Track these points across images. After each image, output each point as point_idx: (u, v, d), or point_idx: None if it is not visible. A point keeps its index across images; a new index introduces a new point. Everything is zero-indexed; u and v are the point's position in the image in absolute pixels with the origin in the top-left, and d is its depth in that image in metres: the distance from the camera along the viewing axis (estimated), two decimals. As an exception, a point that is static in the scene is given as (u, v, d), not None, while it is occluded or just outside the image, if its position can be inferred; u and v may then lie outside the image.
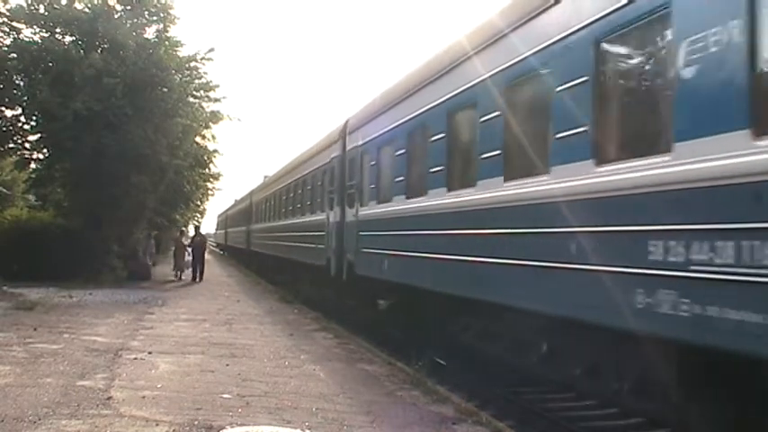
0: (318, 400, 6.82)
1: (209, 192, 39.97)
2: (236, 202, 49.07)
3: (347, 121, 14.30)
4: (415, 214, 9.47)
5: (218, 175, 34.54)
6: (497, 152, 7.23)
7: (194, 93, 23.32)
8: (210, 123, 24.93)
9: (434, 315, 9.82)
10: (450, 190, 8.43)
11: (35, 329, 10.69)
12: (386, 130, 11.26)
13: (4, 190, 30.13)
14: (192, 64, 22.54)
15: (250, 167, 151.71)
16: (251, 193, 35.72)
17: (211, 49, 22.87)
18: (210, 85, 23.33)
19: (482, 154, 7.56)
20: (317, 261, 15.56)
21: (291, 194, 21.19)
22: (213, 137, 26.45)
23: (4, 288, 16.44)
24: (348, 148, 13.75)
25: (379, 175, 11.63)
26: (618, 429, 6.58)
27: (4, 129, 20.94)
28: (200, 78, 23.04)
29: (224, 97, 27.64)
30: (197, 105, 23.88)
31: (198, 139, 25.49)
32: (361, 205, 12.41)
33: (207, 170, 29.95)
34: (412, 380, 8.00)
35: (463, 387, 8.12)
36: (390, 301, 12.04)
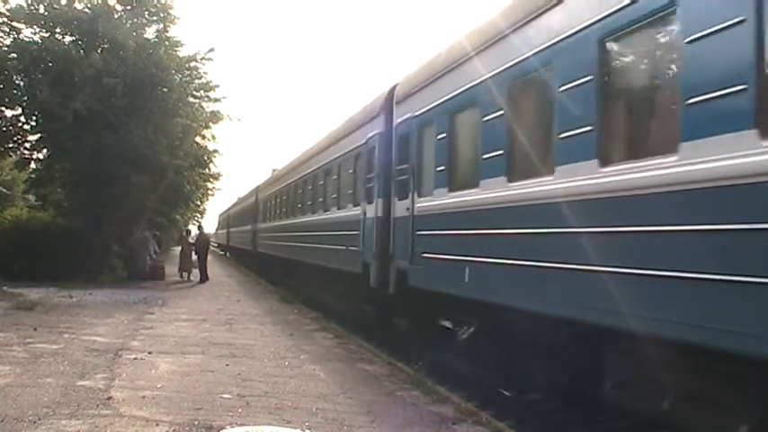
0: (318, 400, 6.82)
1: (209, 192, 40.03)
2: (240, 200, 45.19)
3: (394, 89, 11.04)
4: (529, 204, 6.42)
5: (218, 175, 34.59)
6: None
7: (194, 93, 23.33)
8: (210, 123, 24.93)
9: (564, 356, 6.48)
10: (604, 164, 5.34)
11: (35, 329, 10.69)
12: (469, 86, 7.85)
13: (4, 190, 30.15)
14: (192, 64, 22.56)
15: (250, 167, 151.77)
16: (257, 189, 32.13)
17: (211, 49, 22.94)
18: (210, 85, 23.36)
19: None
20: (349, 267, 12.40)
21: (310, 187, 17.99)
22: (213, 137, 26.49)
23: (4, 288, 16.43)
24: (397, 121, 10.50)
25: (452, 153, 8.37)
26: (618, 429, 6.57)
27: (4, 129, 20.94)
28: (200, 78, 23.06)
29: (224, 97, 27.73)
30: (197, 105, 23.89)
31: (198, 139, 25.50)
32: (420, 195, 9.26)
33: (207, 170, 29.97)
34: (412, 380, 8.01)
35: (463, 387, 8.11)
36: (468, 324, 8.20)
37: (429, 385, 7.72)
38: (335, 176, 14.77)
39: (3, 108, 20.62)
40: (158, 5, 21.43)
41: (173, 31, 21.90)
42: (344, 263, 12.92)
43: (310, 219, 17.18)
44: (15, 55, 20.18)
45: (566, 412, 6.80)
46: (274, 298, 18.82)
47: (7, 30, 20.37)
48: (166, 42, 21.54)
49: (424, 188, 9.27)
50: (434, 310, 9.10)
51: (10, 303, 13.86)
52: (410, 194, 9.58)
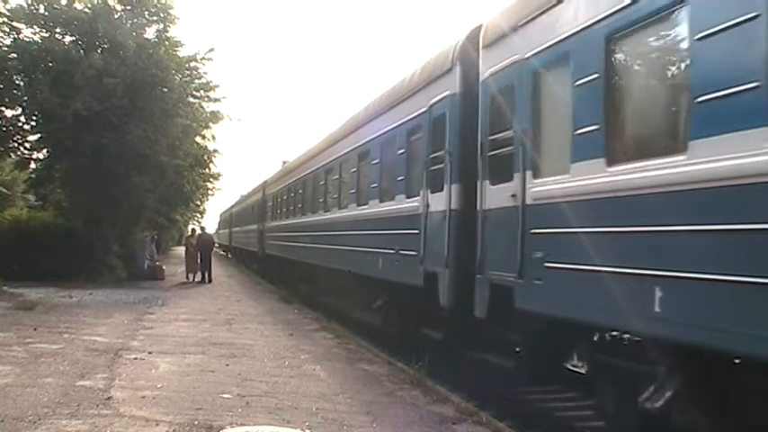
0: (318, 400, 6.82)
1: (209, 192, 40.04)
2: (244, 197, 41.50)
3: (479, 29, 8.00)
4: None
5: (218, 175, 34.59)
6: None
7: (194, 93, 23.32)
8: (210, 123, 24.93)
9: None
10: None
11: (35, 329, 10.69)
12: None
13: (4, 190, 30.12)
14: (192, 64, 22.56)
15: (249, 167, 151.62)
16: (264, 184, 28.95)
17: (211, 49, 22.96)
18: (210, 85, 23.35)
19: None
20: (401, 277, 9.78)
21: (335, 177, 14.87)
22: (213, 137, 26.49)
23: (4, 288, 16.44)
24: (488, 73, 7.47)
25: (616, 102, 5.41)
26: (617, 429, 6.57)
27: (4, 129, 20.94)
28: (200, 78, 23.05)
29: (224, 97, 27.73)
30: (197, 105, 23.88)
31: (198, 138, 25.50)
32: (539, 174, 6.37)
33: (207, 170, 29.97)
34: (412, 380, 8.01)
35: (463, 387, 8.11)
36: (662, 385, 5.09)
37: (429, 385, 7.72)
38: (375, 161, 11.71)
39: (3, 108, 20.62)
40: (158, 5, 21.42)
41: (173, 31, 21.94)
42: (392, 272, 10.15)
43: (336, 215, 14.30)
44: (15, 55, 20.17)
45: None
46: (274, 298, 18.81)
47: (7, 30, 20.37)
48: (166, 42, 21.54)
49: (547, 163, 6.32)
50: (561, 347, 6.75)
51: (10, 303, 13.86)
52: (518, 175, 6.56)
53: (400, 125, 10.47)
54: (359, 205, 12.56)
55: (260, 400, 6.72)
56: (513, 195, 6.59)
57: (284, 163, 28.14)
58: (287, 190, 22.17)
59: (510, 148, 6.84)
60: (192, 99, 23.34)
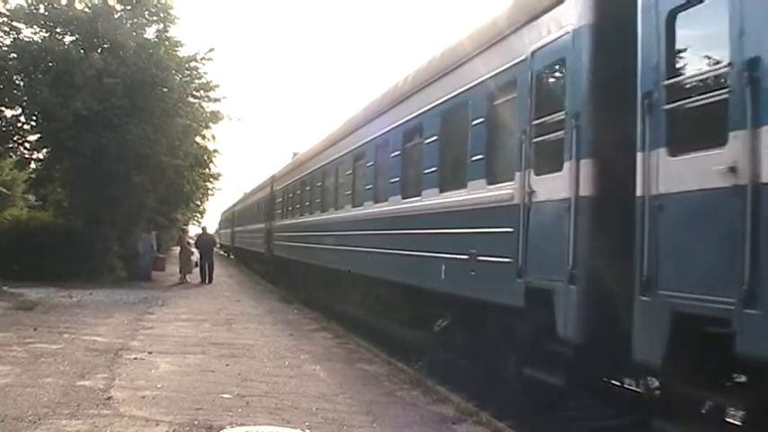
0: (318, 400, 6.82)
1: (209, 192, 40.02)
2: (248, 195, 38.90)
3: None
4: None
5: (218, 174, 34.57)
6: None
7: (194, 93, 23.32)
8: (210, 123, 24.93)
9: None
10: None
11: (35, 329, 10.69)
12: None
13: (4, 190, 30.14)
14: (192, 64, 22.56)
15: (250, 167, 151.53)
16: (272, 180, 26.43)
17: (211, 49, 22.94)
18: (210, 85, 23.35)
19: None
20: (486, 293, 7.32)
21: (368, 164, 12.20)
22: (213, 137, 26.49)
23: (4, 288, 16.45)
24: None
25: None
26: (617, 429, 6.58)
27: (4, 129, 20.96)
28: (200, 78, 23.06)
29: (224, 97, 27.71)
30: (197, 105, 23.88)
31: (198, 138, 25.50)
32: None
33: (207, 170, 29.97)
34: (412, 380, 8.01)
35: (463, 387, 8.11)
36: None
37: (429, 385, 7.72)
38: (430, 139, 9.21)
39: (3, 108, 20.64)
40: (158, 5, 21.43)
41: (173, 31, 21.95)
42: (464, 284, 7.74)
43: (370, 211, 11.78)
44: (15, 55, 20.18)
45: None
46: (274, 298, 18.81)
47: (7, 30, 20.38)
48: (166, 42, 21.55)
49: None
50: None
51: (10, 303, 13.86)
52: (742, 135, 4.12)
53: (474, 88, 7.90)
54: (405, 197, 10.04)
55: (260, 400, 6.72)
56: (732, 169, 4.13)
57: (295, 155, 25.55)
58: (301, 184, 19.59)
59: (722, 93, 4.33)
60: (192, 99, 23.33)
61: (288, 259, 20.67)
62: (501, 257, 6.87)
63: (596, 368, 6.16)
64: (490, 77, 7.54)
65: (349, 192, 13.63)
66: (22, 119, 21.18)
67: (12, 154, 22.63)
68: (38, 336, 10.18)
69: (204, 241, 25.03)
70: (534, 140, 6.46)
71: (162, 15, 21.55)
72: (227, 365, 8.45)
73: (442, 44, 9.74)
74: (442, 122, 8.94)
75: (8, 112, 20.92)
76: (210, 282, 23.41)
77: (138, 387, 7.03)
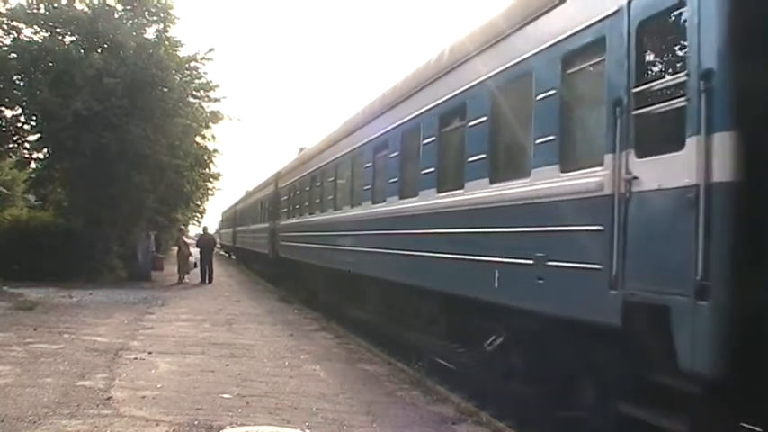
0: (318, 400, 6.82)
1: (209, 192, 40.04)
2: (250, 193, 37.69)
3: None
4: None
5: (218, 174, 34.61)
6: None
7: (194, 93, 23.34)
8: (210, 123, 24.95)
9: None
10: None
11: (35, 329, 10.69)
12: None
13: (4, 190, 30.16)
14: (192, 64, 22.58)
15: (250, 167, 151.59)
16: (277, 177, 24.90)
17: (211, 49, 22.97)
18: (210, 85, 23.36)
19: None
20: (561, 308, 5.86)
21: (392, 155, 10.65)
22: (213, 137, 26.52)
23: (4, 288, 16.46)
24: None
25: None
26: (616, 430, 6.57)
27: (4, 129, 20.97)
28: (200, 78, 23.07)
29: (224, 97, 27.76)
30: (197, 105, 23.91)
31: (198, 138, 25.53)
32: None
33: (207, 170, 30.01)
34: (412, 380, 8.01)
35: (463, 387, 8.11)
36: None
37: (429, 385, 7.72)
38: (476, 120, 7.65)
39: (3, 108, 20.65)
40: (158, 5, 21.45)
41: (173, 31, 21.97)
42: (528, 294, 6.30)
43: (396, 208, 10.23)
44: (15, 55, 20.18)
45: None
46: (274, 298, 18.81)
47: (7, 29, 20.39)
48: (166, 42, 21.56)
49: None
50: None
51: (10, 303, 13.87)
52: None
53: (539, 54, 6.37)
54: (441, 191, 8.61)
55: (260, 400, 6.72)
56: None
57: (301, 150, 24.05)
58: (310, 179, 17.83)
59: None
60: (192, 99, 23.36)
61: (295, 261, 19.27)
62: (584, 263, 5.44)
63: (735, 410, 4.68)
64: (562, 40, 6.01)
65: (368, 186, 11.96)
66: (22, 119, 21.20)
67: (12, 154, 22.63)
68: (38, 336, 10.18)
69: (205, 241, 25.14)
70: (636, 113, 5.00)
71: (162, 15, 21.58)
72: (227, 365, 8.45)
73: (490, 9, 8.11)
74: (494, 100, 7.33)
75: (8, 112, 20.96)
76: (210, 282, 23.45)
77: (138, 387, 7.03)
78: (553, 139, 6.07)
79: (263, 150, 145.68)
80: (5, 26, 20.30)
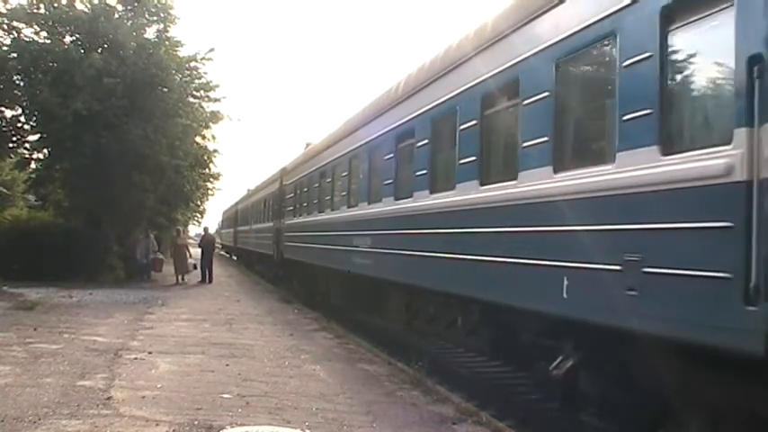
0: (318, 400, 6.82)
1: (209, 192, 40.05)
2: (253, 191, 36.18)
3: None
4: None
5: (218, 174, 34.63)
6: None
7: (194, 93, 23.35)
8: (210, 123, 24.97)
9: None
10: None
11: (35, 329, 10.69)
12: None
13: (4, 190, 30.15)
14: (192, 64, 22.60)
15: (250, 167, 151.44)
16: (282, 173, 23.52)
17: (211, 49, 22.98)
18: (210, 85, 23.37)
19: None
20: (673, 328, 4.43)
21: (421, 143, 9.28)
22: (213, 137, 26.54)
23: (4, 288, 16.46)
24: None
25: None
26: (616, 430, 6.57)
27: (4, 129, 20.97)
28: (200, 78, 23.09)
29: (224, 97, 27.76)
30: (197, 105, 23.92)
31: (198, 138, 25.55)
32: None
33: (207, 170, 30.02)
34: (412, 380, 8.01)
35: (463, 387, 8.11)
36: None
37: (429, 385, 7.72)
38: (535, 96, 6.25)
39: (3, 108, 20.65)
40: (158, 5, 21.46)
41: (173, 31, 21.99)
42: (611, 307, 5.03)
43: (428, 204, 8.85)
44: (15, 55, 20.18)
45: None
46: (274, 298, 18.81)
47: (7, 29, 20.38)
48: (166, 42, 21.57)
49: None
50: None
51: (10, 303, 13.87)
52: None
53: (625, 9, 5.03)
54: (484, 184, 7.26)
55: (260, 400, 6.72)
56: None
57: (308, 145, 22.97)
58: (319, 175, 16.46)
59: None
60: (191, 99, 23.38)
61: (303, 263, 17.93)
62: (703, 270, 4.16)
63: None
64: None
65: (390, 180, 10.57)
66: (22, 119, 21.21)
67: (12, 154, 22.63)
68: (38, 336, 10.18)
69: (207, 241, 25.27)
70: None
71: (162, 15, 21.59)
72: (227, 365, 8.45)
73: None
74: (558, 72, 5.93)
75: (8, 112, 20.97)
76: (210, 282, 23.47)
77: (138, 387, 7.03)
78: (650, 113, 4.69)
79: (265, 147, 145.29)
80: (5, 26, 20.30)
